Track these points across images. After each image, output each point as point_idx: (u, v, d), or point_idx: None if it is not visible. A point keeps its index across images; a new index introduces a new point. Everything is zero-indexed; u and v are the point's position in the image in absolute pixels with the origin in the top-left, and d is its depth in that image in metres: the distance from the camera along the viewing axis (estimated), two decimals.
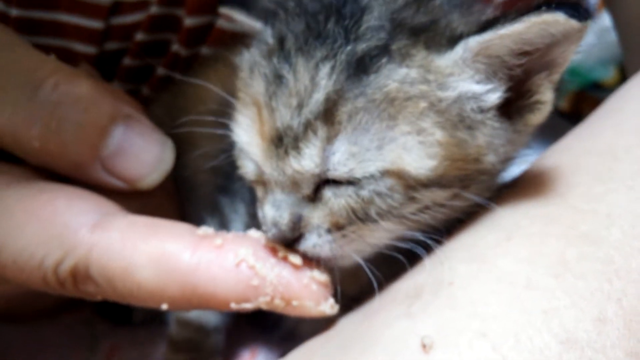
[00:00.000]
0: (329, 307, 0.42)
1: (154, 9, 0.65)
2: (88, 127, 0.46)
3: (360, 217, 0.42)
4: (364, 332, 0.41)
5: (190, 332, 0.59)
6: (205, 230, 0.44)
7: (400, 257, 0.44)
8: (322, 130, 0.40)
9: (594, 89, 1.02)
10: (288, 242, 0.43)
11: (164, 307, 0.42)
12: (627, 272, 0.38)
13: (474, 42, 0.40)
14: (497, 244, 0.41)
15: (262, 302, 0.41)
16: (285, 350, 0.45)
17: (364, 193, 0.41)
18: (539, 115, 0.43)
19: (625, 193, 0.43)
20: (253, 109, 0.43)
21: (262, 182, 0.45)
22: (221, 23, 0.66)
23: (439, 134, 0.40)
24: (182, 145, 0.52)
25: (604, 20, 0.83)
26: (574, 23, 0.38)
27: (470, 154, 0.41)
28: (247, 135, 0.44)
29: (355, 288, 0.46)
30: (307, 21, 0.42)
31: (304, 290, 0.41)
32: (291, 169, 0.41)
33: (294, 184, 0.42)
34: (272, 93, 0.41)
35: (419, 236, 0.43)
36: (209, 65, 0.65)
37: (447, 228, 0.45)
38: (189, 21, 0.65)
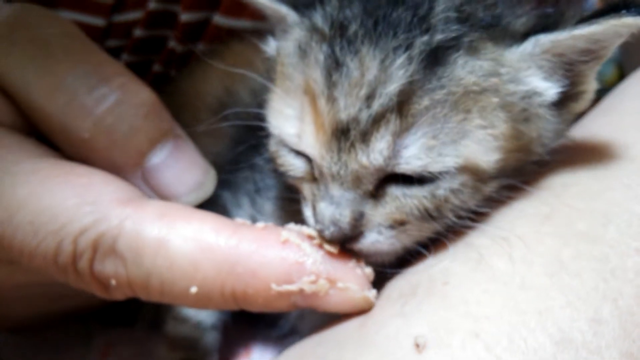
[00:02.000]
0: (372, 295, 0.41)
1: (152, 5, 0.65)
2: (142, 132, 0.46)
3: (434, 215, 0.41)
4: (358, 331, 0.41)
5: (186, 330, 0.59)
6: (243, 221, 0.43)
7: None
8: (393, 124, 0.39)
9: None
10: (346, 240, 0.41)
11: (193, 290, 0.40)
12: (623, 271, 0.38)
13: (546, 40, 0.41)
14: (492, 243, 0.41)
15: (305, 282, 0.39)
16: (284, 348, 0.45)
17: (440, 192, 0.40)
18: (583, 104, 0.44)
19: (622, 191, 0.42)
20: (304, 98, 0.42)
21: (312, 178, 0.44)
22: (217, 19, 0.66)
23: (503, 127, 0.40)
24: None
25: None
26: None
27: (525, 145, 0.42)
28: (295, 127, 0.43)
29: None
30: (365, 7, 0.41)
31: (351, 273, 0.41)
32: (357, 163, 0.40)
33: (355, 180, 0.40)
34: (333, 82, 0.39)
35: (462, 222, 0.42)
36: (206, 62, 0.64)
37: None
38: (184, 17, 0.65)
